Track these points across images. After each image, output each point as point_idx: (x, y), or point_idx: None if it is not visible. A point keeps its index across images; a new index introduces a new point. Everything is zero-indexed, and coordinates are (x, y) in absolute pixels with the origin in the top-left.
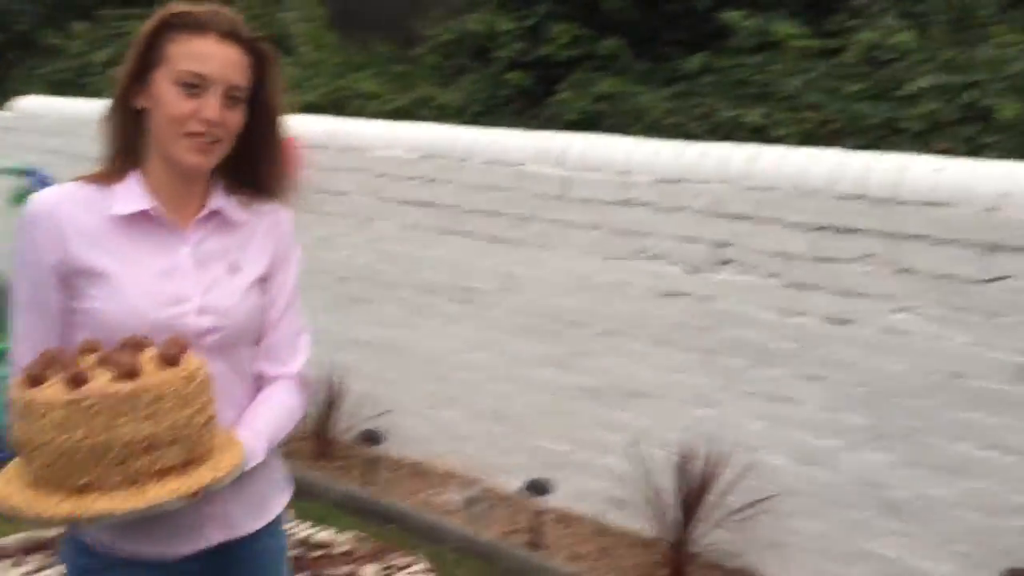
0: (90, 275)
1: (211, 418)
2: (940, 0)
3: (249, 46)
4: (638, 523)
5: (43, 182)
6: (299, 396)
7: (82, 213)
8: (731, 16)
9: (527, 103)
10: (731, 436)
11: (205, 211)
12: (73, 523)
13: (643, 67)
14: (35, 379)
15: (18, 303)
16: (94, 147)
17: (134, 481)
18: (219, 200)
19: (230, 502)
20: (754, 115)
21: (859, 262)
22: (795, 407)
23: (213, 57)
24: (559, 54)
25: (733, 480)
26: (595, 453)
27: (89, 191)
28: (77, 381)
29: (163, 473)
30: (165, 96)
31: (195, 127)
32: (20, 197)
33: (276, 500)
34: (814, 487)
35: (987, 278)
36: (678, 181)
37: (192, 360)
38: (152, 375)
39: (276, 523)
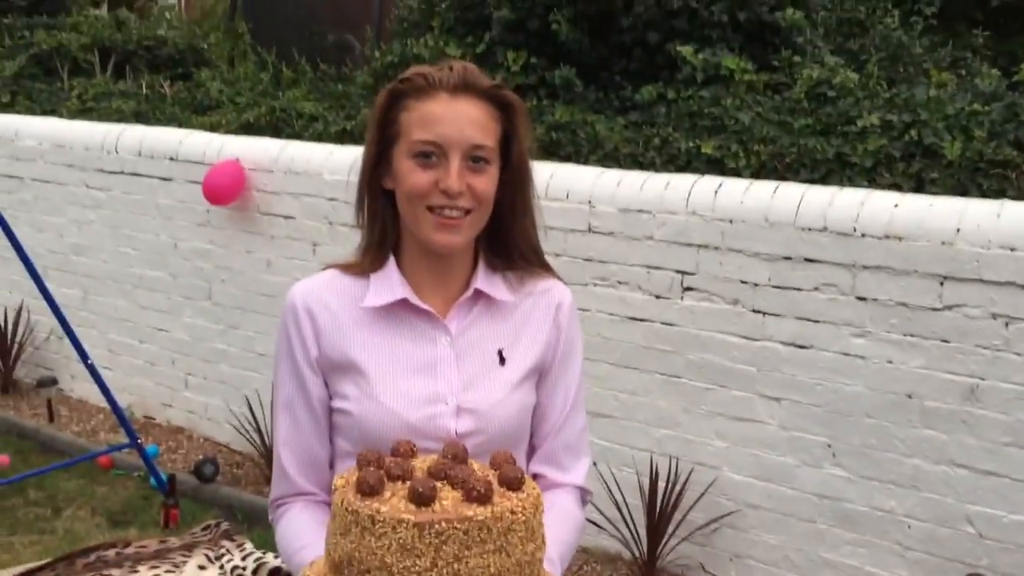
0: (346, 370)
1: (544, 553)
2: (874, 39)
3: (489, 96)
4: (607, 541)
5: None
6: (581, 509)
7: (339, 304)
8: (684, 50)
9: None
10: (694, 455)
11: (466, 295)
12: None
13: (594, 96)
14: (372, 489)
15: (279, 402)
16: (11, 165)
17: None
18: (482, 280)
19: None
20: (709, 147)
21: (820, 290)
22: (756, 427)
23: (444, 118)
24: (511, 80)
25: (697, 497)
26: None
27: (347, 281)
28: (425, 499)
29: None
30: (402, 172)
31: (438, 200)
32: None
33: None
34: (775, 502)
35: (940, 307)
36: (642, 211)
37: (532, 484)
38: (503, 501)
39: None
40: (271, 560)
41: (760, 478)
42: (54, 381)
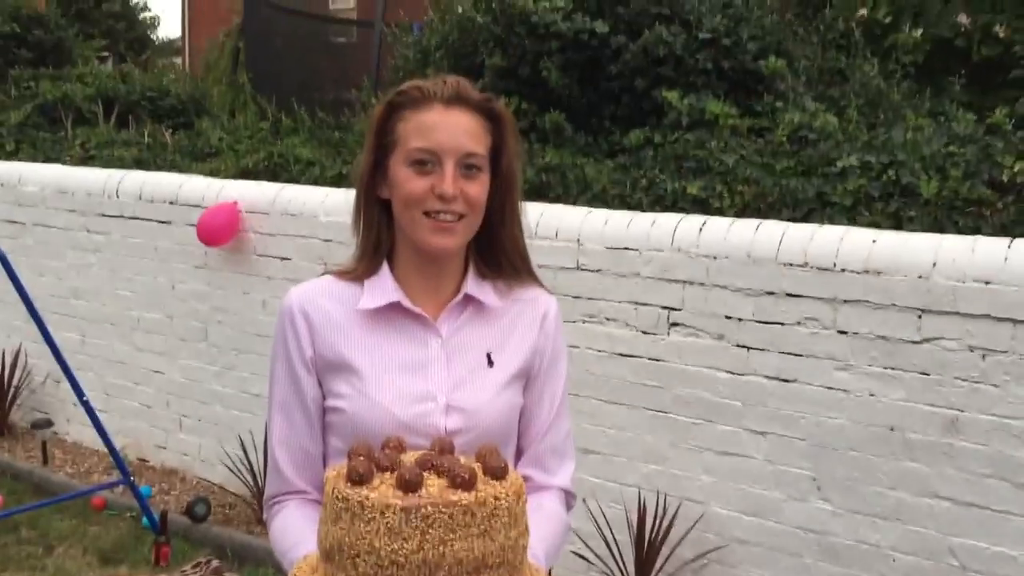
0: (340, 370)
1: (528, 541)
2: (853, 86)
3: (480, 108)
4: None
5: None
6: (566, 511)
7: (334, 307)
8: (670, 95)
9: None
10: (682, 490)
11: (457, 299)
12: None
13: (583, 141)
14: (361, 477)
15: (275, 403)
16: (13, 210)
17: None
18: (472, 286)
19: None
20: (694, 187)
21: (802, 325)
22: (742, 461)
23: (439, 127)
24: None
25: (685, 532)
26: None
27: (342, 286)
28: (412, 485)
29: None
30: (400, 179)
31: (433, 205)
32: None
33: None
34: (761, 536)
35: (919, 339)
36: (629, 248)
37: (516, 474)
38: (486, 488)
39: None
40: None
41: (747, 512)
42: (49, 423)
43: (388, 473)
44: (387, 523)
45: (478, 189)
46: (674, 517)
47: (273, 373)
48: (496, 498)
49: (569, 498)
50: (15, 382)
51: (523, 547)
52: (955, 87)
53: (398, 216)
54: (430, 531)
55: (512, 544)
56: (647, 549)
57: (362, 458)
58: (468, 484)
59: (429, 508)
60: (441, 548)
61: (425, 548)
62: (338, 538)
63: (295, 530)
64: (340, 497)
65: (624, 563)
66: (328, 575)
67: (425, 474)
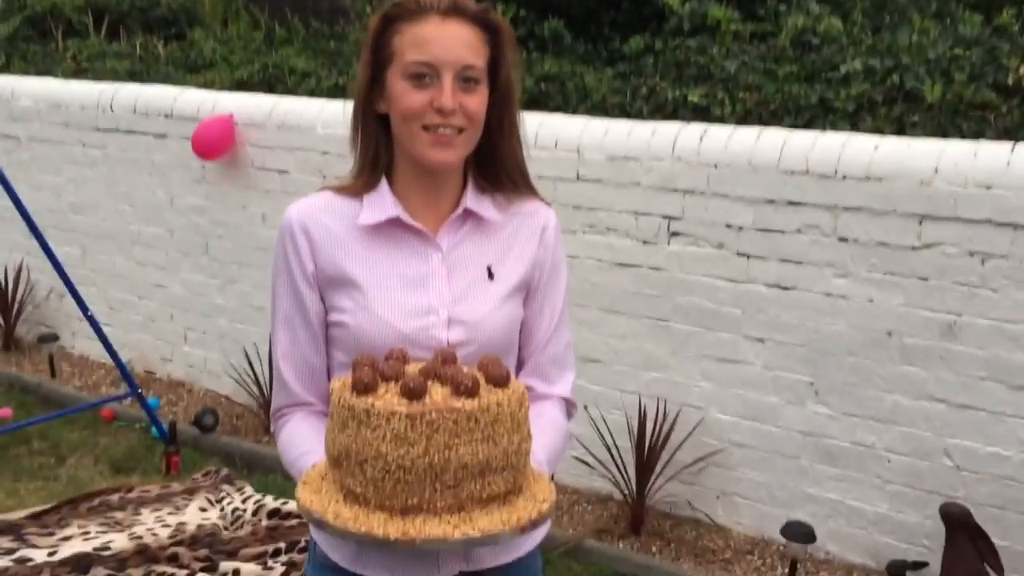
0: (341, 284)
1: (530, 446)
2: None
3: (477, 20)
4: (598, 482)
5: None
6: (567, 419)
7: (334, 222)
8: (671, 0)
9: None
10: (682, 396)
11: (456, 213)
12: (405, 546)
13: (583, 48)
14: (366, 387)
15: (278, 318)
16: (8, 125)
17: (461, 507)
18: (472, 200)
19: None
20: (695, 95)
21: (802, 232)
22: (741, 367)
23: (436, 39)
24: None
25: (684, 437)
26: None
27: (341, 202)
28: (416, 393)
29: (488, 501)
30: (397, 92)
31: (432, 119)
32: None
33: (527, 538)
34: (759, 440)
35: (919, 245)
36: (629, 158)
37: (517, 382)
38: (489, 394)
39: (528, 559)
40: (270, 502)
41: (745, 417)
42: (55, 337)
43: (393, 382)
44: (393, 430)
45: (477, 102)
46: (674, 422)
47: (275, 289)
48: (499, 404)
49: (570, 407)
50: (19, 297)
51: (526, 452)
52: None
53: (396, 131)
54: (435, 436)
55: (515, 449)
56: (647, 454)
57: (367, 368)
58: (471, 391)
59: (433, 415)
60: (446, 452)
61: (431, 452)
62: (345, 445)
63: (303, 440)
64: (346, 406)
65: (625, 467)
66: (336, 480)
67: (429, 382)
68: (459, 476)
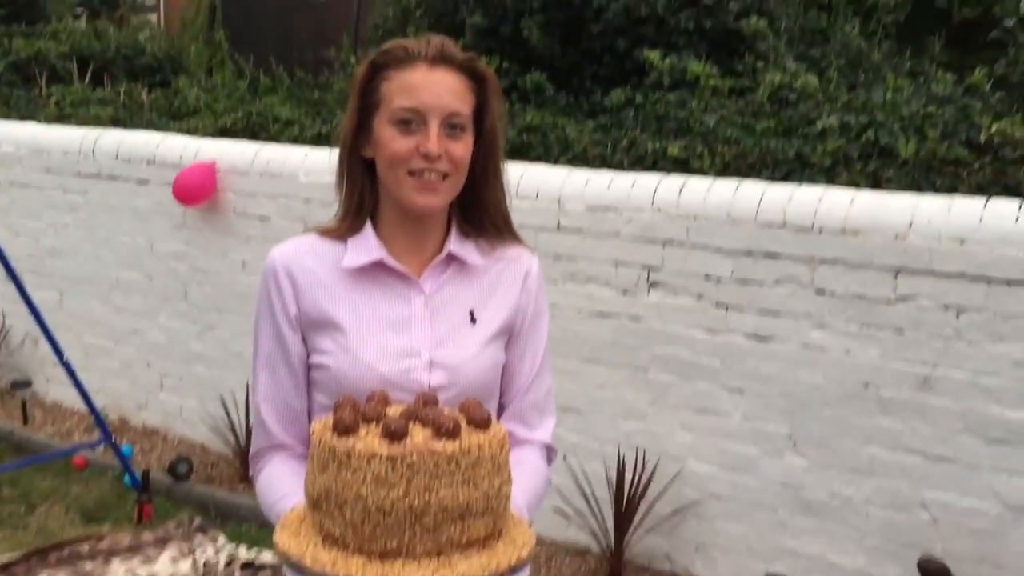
0: (324, 327)
1: (511, 490)
2: (835, 46)
3: (464, 68)
4: (576, 534)
5: None
6: (547, 465)
7: (317, 265)
8: (651, 55)
9: None
10: (661, 447)
11: (440, 257)
12: None
13: (565, 101)
14: (347, 428)
15: (259, 360)
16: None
17: (440, 551)
18: (455, 245)
19: None
20: (675, 148)
21: (780, 284)
22: (719, 418)
23: (424, 86)
24: None
25: (662, 488)
26: None
27: (325, 244)
28: (397, 435)
29: (467, 545)
30: (384, 138)
31: (418, 164)
32: None
33: None
34: (737, 492)
35: (895, 298)
36: (609, 209)
37: (499, 425)
38: (470, 437)
39: None
40: (243, 553)
41: (724, 468)
42: (28, 383)
43: (374, 424)
44: (373, 472)
45: (462, 149)
46: (652, 473)
47: (258, 330)
48: (480, 446)
49: (550, 452)
50: None
51: (506, 495)
52: (935, 47)
53: (382, 175)
54: (415, 479)
55: (496, 492)
56: (626, 505)
57: (348, 409)
58: (452, 433)
59: (414, 457)
60: (426, 495)
61: (411, 495)
62: (325, 486)
63: (282, 483)
64: (327, 447)
65: (603, 518)
66: (315, 523)
67: (410, 424)
68: (439, 519)
